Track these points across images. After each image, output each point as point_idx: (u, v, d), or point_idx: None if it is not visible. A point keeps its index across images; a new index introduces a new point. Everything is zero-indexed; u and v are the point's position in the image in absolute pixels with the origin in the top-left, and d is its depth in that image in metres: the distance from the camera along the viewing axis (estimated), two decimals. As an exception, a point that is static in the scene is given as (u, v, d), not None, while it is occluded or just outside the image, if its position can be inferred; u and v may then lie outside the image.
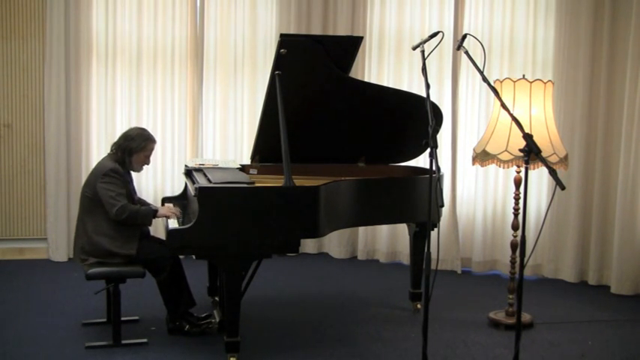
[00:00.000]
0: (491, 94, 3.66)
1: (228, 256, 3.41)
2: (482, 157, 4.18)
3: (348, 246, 6.03)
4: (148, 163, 3.99)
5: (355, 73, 5.24)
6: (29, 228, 5.73)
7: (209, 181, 3.65)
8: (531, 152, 2.88)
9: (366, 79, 5.63)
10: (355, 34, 5.57)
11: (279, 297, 4.81)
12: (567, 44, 5.34)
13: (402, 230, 5.34)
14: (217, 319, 3.98)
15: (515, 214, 4.26)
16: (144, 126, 5.58)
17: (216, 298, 4.35)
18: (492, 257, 5.73)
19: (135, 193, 4.02)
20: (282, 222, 3.43)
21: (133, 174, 4.02)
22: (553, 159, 4.04)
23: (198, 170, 4.10)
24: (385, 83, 5.72)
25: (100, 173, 3.74)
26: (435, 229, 3.26)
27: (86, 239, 3.77)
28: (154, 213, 3.78)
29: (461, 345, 3.92)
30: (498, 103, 3.49)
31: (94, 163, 5.57)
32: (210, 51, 5.80)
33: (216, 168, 4.17)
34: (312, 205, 3.46)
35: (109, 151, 3.94)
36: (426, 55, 3.13)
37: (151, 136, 3.95)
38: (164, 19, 5.68)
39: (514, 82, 4.14)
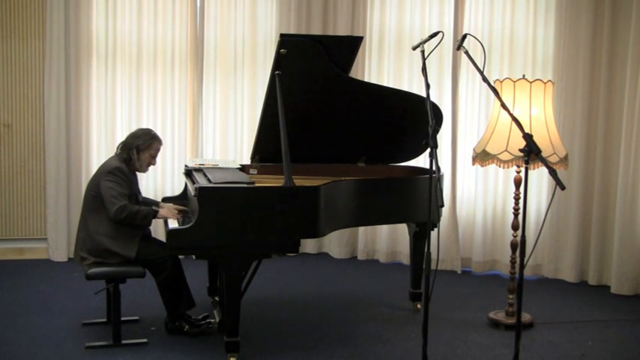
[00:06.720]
0: (491, 94, 3.66)
1: (228, 256, 3.40)
2: (482, 157, 4.18)
3: (348, 246, 6.03)
4: (153, 164, 4.00)
5: (355, 73, 5.24)
6: (29, 228, 5.72)
7: (209, 181, 3.65)
8: (531, 152, 2.88)
9: (366, 79, 5.63)
10: (355, 34, 5.57)
11: (279, 297, 4.81)
12: (567, 44, 5.34)
13: (402, 230, 5.34)
14: (217, 319, 3.99)
15: (515, 214, 4.25)
16: (144, 126, 5.64)
17: (216, 298, 4.34)
18: (492, 257, 5.72)
19: (139, 193, 4.04)
20: (282, 222, 3.43)
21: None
22: (553, 159, 4.04)
23: (198, 170, 4.10)
24: (385, 83, 5.72)
25: (105, 171, 3.76)
26: (435, 229, 3.25)
27: (87, 237, 3.77)
28: (154, 213, 3.76)
29: (461, 345, 3.92)
30: (498, 103, 3.49)
31: (94, 163, 5.62)
32: (210, 51, 5.80)
33: (216, 168, 4.17)
34: (312, 205, 3.46)
35: (115, 151, 3.95)
36: (426, 55, 3.13)
37: (157, 135, 3.97)
38: (164, 19, 5.68)
39: (514, 82, 4.14)
